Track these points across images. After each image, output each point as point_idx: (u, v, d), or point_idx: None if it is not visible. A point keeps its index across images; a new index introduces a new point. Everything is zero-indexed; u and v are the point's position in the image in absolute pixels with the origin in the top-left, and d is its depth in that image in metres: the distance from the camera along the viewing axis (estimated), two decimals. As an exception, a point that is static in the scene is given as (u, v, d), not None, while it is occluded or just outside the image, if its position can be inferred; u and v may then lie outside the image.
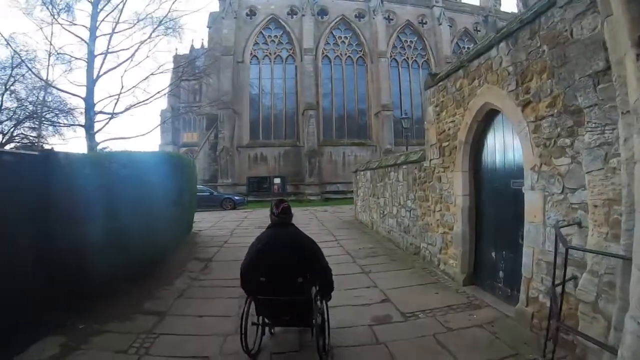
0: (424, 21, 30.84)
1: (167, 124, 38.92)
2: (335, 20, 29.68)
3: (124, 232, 5.13)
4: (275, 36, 29.41)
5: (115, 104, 14.61)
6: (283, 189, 25.31)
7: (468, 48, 23.34)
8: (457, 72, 5.50)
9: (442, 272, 5.93)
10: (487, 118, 4.95)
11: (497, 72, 4.52)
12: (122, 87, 13.94)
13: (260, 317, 3.53)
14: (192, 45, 34.00)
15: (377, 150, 27.66)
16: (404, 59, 30.80)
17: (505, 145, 4.67)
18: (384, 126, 28.26)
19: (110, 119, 14.36)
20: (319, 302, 3.35)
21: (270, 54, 29.29)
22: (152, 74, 15.50)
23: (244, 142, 27.91)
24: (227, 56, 27.37)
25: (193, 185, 10.60)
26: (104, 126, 14.37)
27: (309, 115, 27.35)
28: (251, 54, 28.96)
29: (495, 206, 4.95)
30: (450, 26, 30.88)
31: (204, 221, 13.86)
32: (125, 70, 14.97)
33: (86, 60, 14.92)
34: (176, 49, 23.86)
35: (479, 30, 30.91)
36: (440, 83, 6.03)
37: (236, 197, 21.76)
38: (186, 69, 19.67)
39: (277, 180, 26.05)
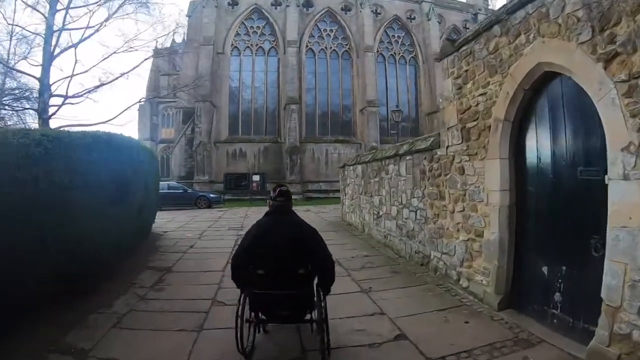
0: (412, 16, 29.85)
1: (145, 120, 37.28)
2: (321, 13, 28.37)
3: (56, 233, 3.96)
4: (258, 27, 27.92)
5: (69, 82, 13.01)
6: (262, 186, 23.72)
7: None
8: (490, 29, 4.19)
9: (465, 291, 4.59)
10: (538, 85, 3.67)
11: (556, 20, 3.27)
12: (76, 61, 12.32)
13: (254, 314, 3.22)
14: (173, 39, 32.58)
15: (362, 147, 26.33)
16: (391, 54, 29.72)
17: (567, 120, 3.39)
18: (370, 123, 26.99)
19: (64, 101, 12.63)
20: (321, 295, 3.03)
21: (251, 45, 27.77)
22: (115, 52, 13.88)
23: (222, 137, 26.32)
24: (206, 46, 25.86)
25: (153, 179, 8.98)
26: (57, 110, 12.67)
27: (290, 110, 25.87)
28: (232, 45, 27.39)
29: (549, 204, 3.64)
30: (439, 22, 29.95)
31: (174, 221, 12.70)
32: (80, 41, 13.17)
33: (43, 35, 13.33)
34: (156, 41, 22.20)
35: (468, 28, 30.02)
36: (464, 47, 4.69)
37: (211, 195, 20.38)
38: (161, 52, 18.11)
39: (256, 178, 24.41)
